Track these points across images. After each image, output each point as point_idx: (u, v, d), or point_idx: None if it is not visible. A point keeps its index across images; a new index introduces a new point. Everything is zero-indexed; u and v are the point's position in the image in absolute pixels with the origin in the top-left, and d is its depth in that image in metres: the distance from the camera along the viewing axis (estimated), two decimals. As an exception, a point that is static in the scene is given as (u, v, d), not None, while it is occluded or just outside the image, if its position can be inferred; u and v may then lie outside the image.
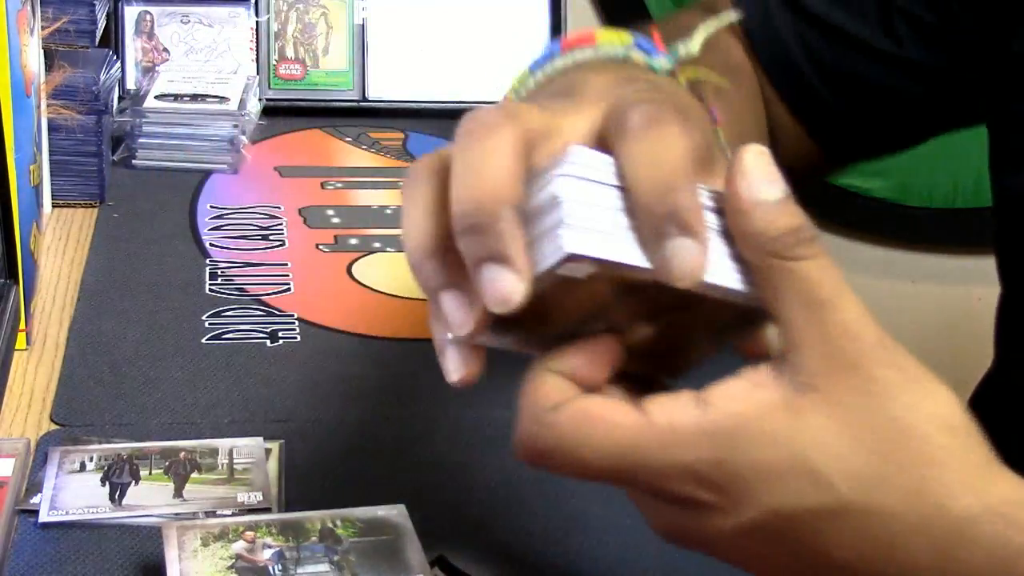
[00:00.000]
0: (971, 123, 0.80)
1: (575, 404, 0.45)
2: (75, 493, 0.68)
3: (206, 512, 0.67)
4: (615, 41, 0.57)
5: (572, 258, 0.42)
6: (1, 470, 0.70)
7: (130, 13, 1.33)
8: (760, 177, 0.44)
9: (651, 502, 0.47)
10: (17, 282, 0.83)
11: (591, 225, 0.43)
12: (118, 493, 0.68)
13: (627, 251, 0.43)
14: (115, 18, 1.31)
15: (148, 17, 1.33)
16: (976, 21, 0.74)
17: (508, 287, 0.42)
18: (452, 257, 0.44)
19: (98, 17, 1.14)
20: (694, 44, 0.57)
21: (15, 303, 0.82)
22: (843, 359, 0.44)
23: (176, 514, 0.67)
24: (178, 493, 0.69)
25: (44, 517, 0.66)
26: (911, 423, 0.44)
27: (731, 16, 0.59)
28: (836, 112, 0.80)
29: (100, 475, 0.70)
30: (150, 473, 0.70)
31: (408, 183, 0.45)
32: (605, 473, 0.45)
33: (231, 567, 0.60)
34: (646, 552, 0.68)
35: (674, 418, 0.44)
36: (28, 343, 0.85)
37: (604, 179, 0.44)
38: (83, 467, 0.70)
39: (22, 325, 0.84)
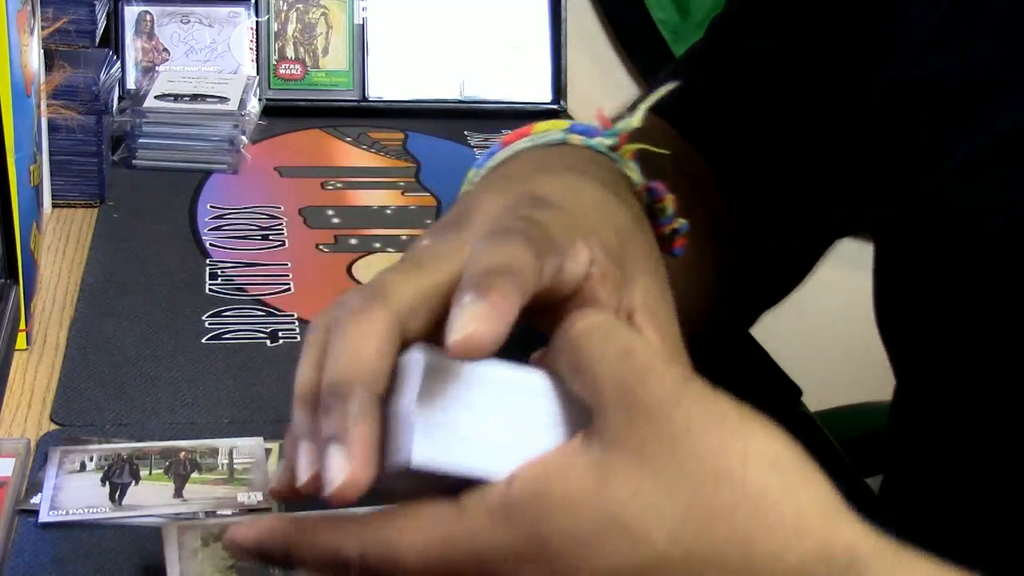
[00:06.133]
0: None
1: (382, 511, 0.45)
2: (75, 493, 0.68)
3: (206, 512, 0.67)
4: (551, 128, 0.57)
5: (417, 468, 0.43)
6: (1, 470, 0.70)
7: (130, 13, 1.33)
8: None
9: None
10: (17, 282, 0.83)
11: (438, 431, 0.43)
12: (118, 493, 0.68)
13: (470, 460, 0.43)
14: (115, 18, 1.32)
15: (148, 17, 1.33)
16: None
17: (337, 473, 0.43)
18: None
19: (98, 17, 1.14)
20: (635, 119, 0.57)
21: (15, 303, 0.82)
22: (642, 407, 0.42)
23: (176, 514, 0.67)
24: (178, 493, 0.69)
25: (44, 517, 0.66)
26: (722, 464, 0.42)
27: (671, 85, 0.59)
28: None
29: (100, 475, 0.70)
30: (150, 473, 0.70)
31: (309, 333, 0.47)
32: (429, 570, 0.44)
33: (231, 567, 0.60)
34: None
35: (484, 500, 0.43)
36: (28, 343, 0.85)
37: (454, 375, 0.44)
38: (83, 467, 0.70)
39: (22, 325, 0.84)
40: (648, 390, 0.42)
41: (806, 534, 0.42)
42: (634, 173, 0.58)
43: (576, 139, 0.57)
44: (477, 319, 0.41)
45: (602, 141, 0.57)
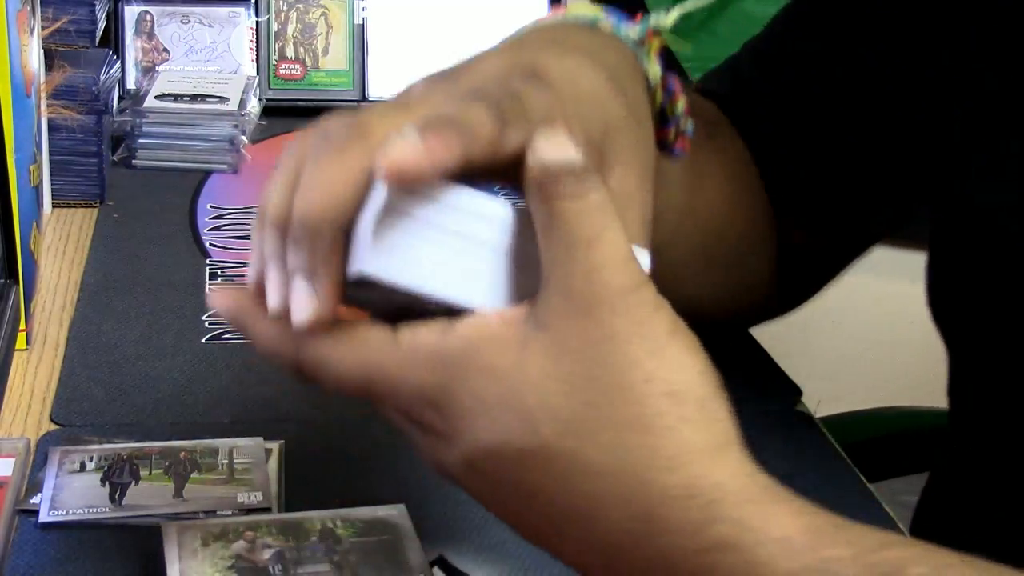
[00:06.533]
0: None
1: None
2: (75, 493, 0.68)
3: (206, 512, 0.67)
4: (586, 11, 0.58)
5: (363, 278, 0.45)
6: (1, 470, 0.70)
7: (130, 13, 1.33)
8: (551, 138, 0.45)
9: (405, 425, 0.48)
10: (17, 282, 0.83)
11: (391, 245, 0.45)
12: (118, 493, 0.68)
13: (416, 276, 0.45)
14: (115, 18, 1.31)
15: (148, 17, 1.33)
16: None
17: (304, 308, 0.45)
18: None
19: (98, 17, 1.14)
20: (668, 18, 0.57)
21: (15, 303, 0.82)
22: (581, 302, 0.43)
23: (176, 514, 0.67)
24: (178, 493, 0.69)
25: (44, 517, 0.66)
26: (627, 380, 0.43)
27: None
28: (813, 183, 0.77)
29: (100, 475, 0.70)
30: (150, 473, 0.70)
31: (285, 156, 0.47)
32: (352, 386, 0.47)
33: (231, 567, 0.60)
34: (646, 552, 0.68)
35: (416, 339, 0.45)
36: (28, 343, 0.85)
37: (420, 197, 0.45)
38: (83, 467, 0.70)
39: (22, 325, 0.84)
40: (592, 287, 0.43)
41: (680, 468, 0.43)
42: (653, 68, 0.58)
43: (605, 25, 0.57)
44: (406, 150, 0.42)
45: (629, 33, 0.57)
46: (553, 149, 0.44)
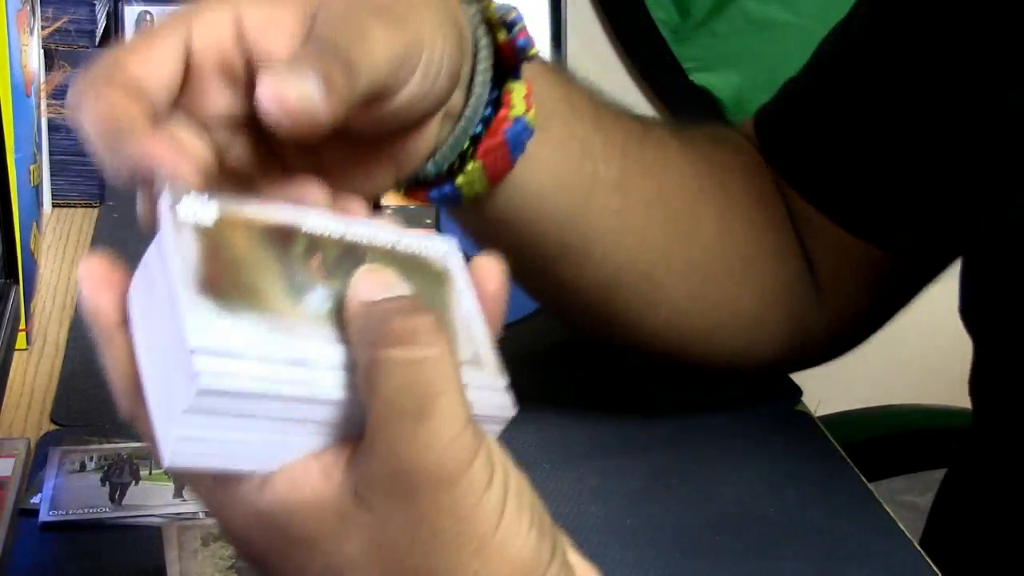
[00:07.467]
0: None
1: None
2: (75, 493, 0.68)
3: (206, 512, 0.67)
4: None
5: (172, 470, 0.42)
6: (1, 470, 0.70)
7: (130, 13, 1.33)
8: (373, 272, 0.42)
9: None
10: (17, 282, 0.83)
11: (193, 439, 0.40)
12: (118, 493, 0.68)
13: (232, 460, 0.41)
14: (115, 18, 1.31)
15: (148, 17, 1.33)
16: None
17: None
18: None
19: (98, 17, 1.14)
20: None
21: (15, 303, 0.82)
22: (406, 485, 0.39)
23: (176, 514, 0.67)
24: (178, 493, 0.69)
25: (44, 517, 0.66)
26: None
27: None
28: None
29: (100, 475, 0.70)
30: (150, 473, 0.70)
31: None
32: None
33: (231, 567, 0.60)
34: (647, 554, 0.68)
35: (240, 491, 0.41)
36: (28, 343, 0.85)
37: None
38: (83, 467, 0.70)
39: (22, 325, 0.84)
40: (418, 469, 0.39)
41: None
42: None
43: None
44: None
45: None
46: (375, 285, 0.41)
